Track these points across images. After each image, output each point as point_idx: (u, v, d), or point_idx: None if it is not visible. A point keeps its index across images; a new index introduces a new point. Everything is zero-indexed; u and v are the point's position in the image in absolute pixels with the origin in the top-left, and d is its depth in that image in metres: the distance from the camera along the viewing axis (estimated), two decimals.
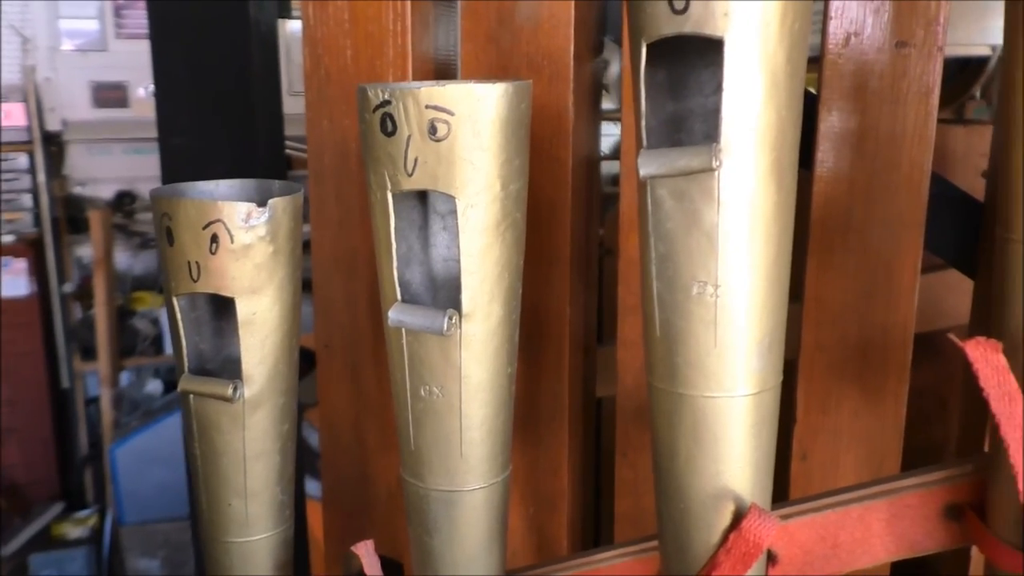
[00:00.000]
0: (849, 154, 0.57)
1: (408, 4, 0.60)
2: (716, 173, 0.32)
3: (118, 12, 2.36)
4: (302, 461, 0.89)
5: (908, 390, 0.59)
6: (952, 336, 0.32)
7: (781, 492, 0.63)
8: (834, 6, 0.54)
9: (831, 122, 0.56)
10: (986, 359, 0.31)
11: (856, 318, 0.59)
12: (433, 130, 0.36)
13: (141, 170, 2.32)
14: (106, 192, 2.44)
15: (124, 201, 2.43)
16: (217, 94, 0.87)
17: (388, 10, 0.61)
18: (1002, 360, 0.31)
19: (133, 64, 2.28)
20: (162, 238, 0.41)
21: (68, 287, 2.41)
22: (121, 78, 2.36)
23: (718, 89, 0.32)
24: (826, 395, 0.60)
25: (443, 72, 0.67)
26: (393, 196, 0.38)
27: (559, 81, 0.60)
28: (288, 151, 0.98)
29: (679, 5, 0.32)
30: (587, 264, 0.69)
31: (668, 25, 0.32)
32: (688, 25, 0.32)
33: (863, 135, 0.56)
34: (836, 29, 0.55)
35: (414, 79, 0.62)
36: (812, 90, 0.58)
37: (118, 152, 2.39)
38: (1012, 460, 0.31)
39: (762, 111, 0.32)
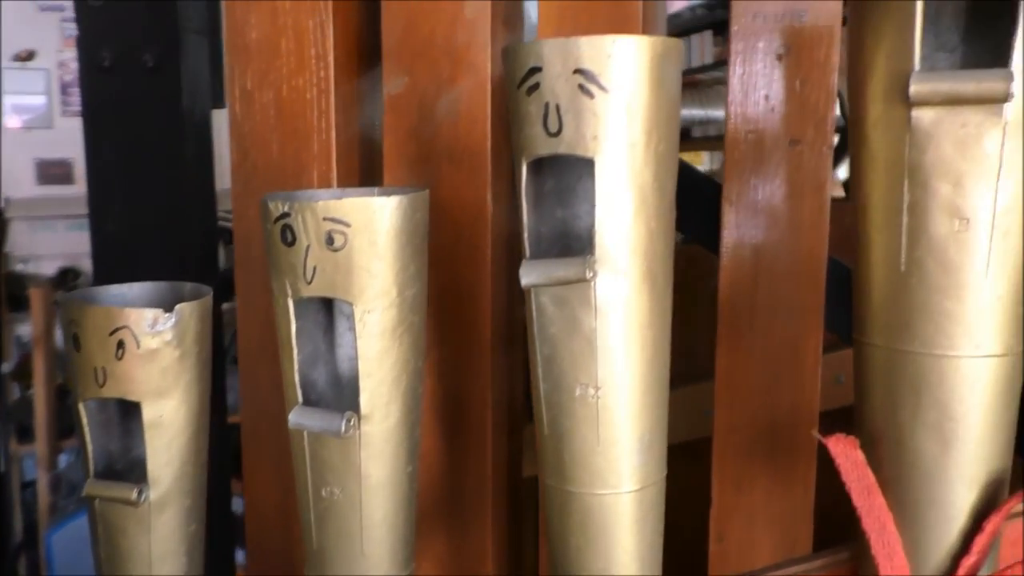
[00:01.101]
0: (751, 242, 0.60)
1: (332, 101, 0.63)
2: (592, 283, 0.34)
3: (64, 89, 2.37)
4: (231, 535, 0.88)
5: (818, 466, 0.61)
6: (814, 432, 0.34)
7: (699, 574, 0.64)
8: (733, 108, 0.57)
9: (733, 212, 0.59)
10: (846, 454, 0.33)
11: (765, 399, 0.61)
12: (330, 240, 0.37)
13: (86, 246, 2.29)
14: (49, 268, 2.41)
15: (67, 277, 2.40)
16: (149, 181, 0.88)
17: (313, 107, 0.63)
18: (860, 455, 0.33)
19: (79, 140, 2.28)
20: (69, 343, 0.42)
21: (6, 367, 2.35)
22: (66, 155, 2.36)
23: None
24: (740, 476, 0.62)
25: (370, 147, 0.69)
26: (294, 302, 0.39)
27: (478, 172, 0.62)
28: (225, 223, 0.99)
29: (553, 128, 0.34)
30: (510, 346, 0.70)
31: (544, 146, 0.35)
32: (562, 146, 0.34)
33: (763, 224, 0.59)
34: (735, 127, 0.58)
35: (338, 170, 0.64)
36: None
37: (62, 228, 2.37)
38: (873, 550, 0.33)
39: (632, 224, 0.35)
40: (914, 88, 0.29)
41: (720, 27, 2.20)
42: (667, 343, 0.37)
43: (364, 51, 0.66)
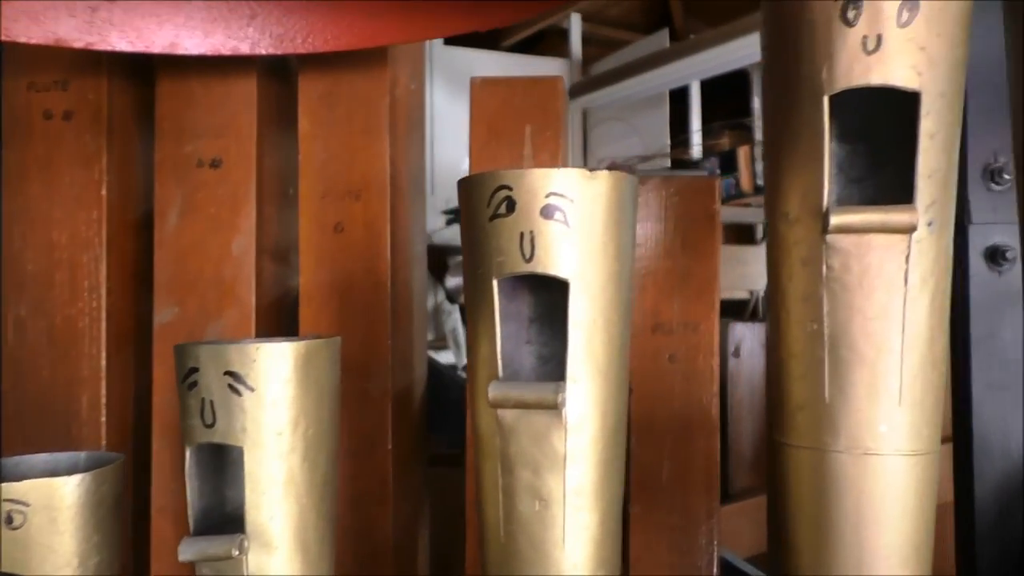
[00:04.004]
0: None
1: (104, 328, 0.66)
2: (243, 558, 0.38)
3: None
4: None
5: None
6: None
7: None
8: None
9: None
10: None
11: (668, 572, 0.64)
12: (10, 520, 0.40)
13: None
14: None
15: None
16: None
17: (85, 334, 0.67)
18: None
19: None
20: None
21: None
22: None
23: None
24: None
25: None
26: None
27: None
28: None
29: (208, 420, 0.39)
30: None
31: (203, 435, 0.39)
32: (216, 436, 0.39)
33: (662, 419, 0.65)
34: None
35: (108, 395, 0.67)
36: None
37: None
38: None
39: (282, 502, 0.39)
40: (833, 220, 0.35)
41: None
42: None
43: (141, 281, 0.70)
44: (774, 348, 0.40)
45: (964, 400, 0.68)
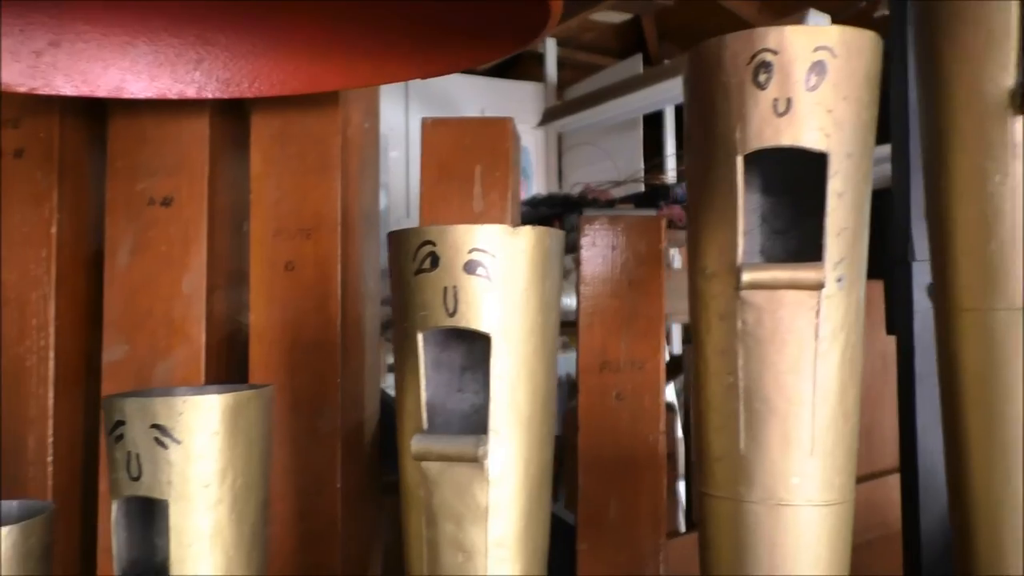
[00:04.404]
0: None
1: (52, 368, 0.66)
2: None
3: None
4: None
5: None
6: None
7: None
8: None
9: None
10: None
11: None
12: None
13: None
14: None
15: None
16: None
17: (32, 374, 0.67)
18: None
19: None
20: None
21: None
22: None
23: None
24: None
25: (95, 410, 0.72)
26: None
27: None
28: None
29: (134, 474, 0.39)
30: None
31: (129, 488, 0.39)
32: (141, 490, 0.39)
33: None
34: None
35: (55, 436, 0.67)
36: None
37: None
38: None
39: (209, 554, 0.39)
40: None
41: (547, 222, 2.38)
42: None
43: (91, 320, 0.70)
44: (695, 400, 0.40)
45: (909, 433, 0.69)
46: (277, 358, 0.68)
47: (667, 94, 2.64)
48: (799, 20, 1.95)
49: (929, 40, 0.39)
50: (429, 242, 0.39)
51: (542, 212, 1.93)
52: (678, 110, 2.90)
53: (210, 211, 0.69)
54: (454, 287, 0.38)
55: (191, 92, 0.56)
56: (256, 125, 0.69)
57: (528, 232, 0.39)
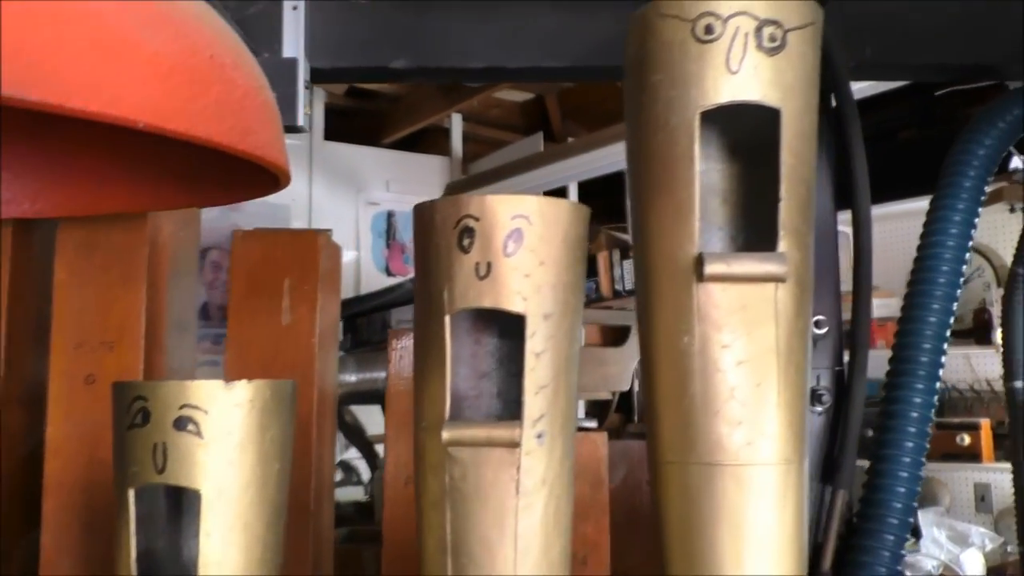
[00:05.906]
0: None
1: None
2: None
3: None
4: None
5: None
6: None
7: None
8: None
9: None
10: None
11: None
12: None
13: None
14: None
15: None
16: None
17: None
18: None
19: None
20: None
21: None
22: None
23: None
24: None
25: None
26: None
27: None
28: None
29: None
30: None
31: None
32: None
33: None
34: None
35: None
36: None
37: None
38: None
39: None
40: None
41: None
42: None
43: None
44: (420, 554, 0.41)
45: None
46: (74, 473, 0.66)
47: (570, 171, 2.71)
48: None
49: (636, 203, 0.42)
50: (141, 397, 0.39)
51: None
52: (581, 187, 2.97)
53: (9, 323, 0.67)
54: (163, 443, 0.38)
55: None
56: (62, 234, 0.68)
57: (243, 386, 0.39)
